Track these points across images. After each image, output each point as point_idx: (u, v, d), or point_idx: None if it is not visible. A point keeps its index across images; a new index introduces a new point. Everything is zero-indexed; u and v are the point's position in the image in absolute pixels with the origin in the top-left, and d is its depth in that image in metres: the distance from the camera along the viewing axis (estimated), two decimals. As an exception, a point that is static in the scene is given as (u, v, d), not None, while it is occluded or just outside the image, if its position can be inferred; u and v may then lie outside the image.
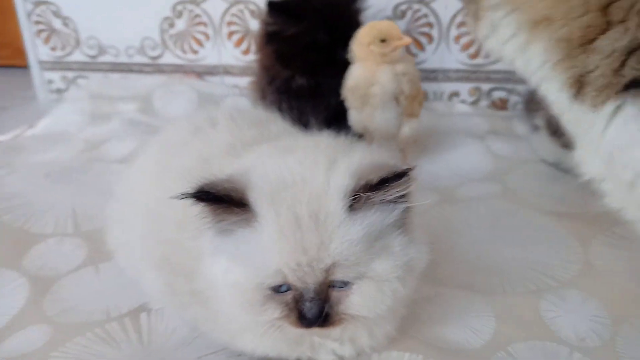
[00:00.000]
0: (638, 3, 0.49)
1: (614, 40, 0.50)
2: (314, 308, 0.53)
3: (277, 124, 0.72)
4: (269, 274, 0.52)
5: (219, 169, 0.60)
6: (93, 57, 1.64)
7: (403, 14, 1.37)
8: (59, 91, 1.70)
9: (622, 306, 0.73)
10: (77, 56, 1.65)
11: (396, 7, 1.37)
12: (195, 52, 1.57)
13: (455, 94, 1.45)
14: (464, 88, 1.43)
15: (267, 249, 0.52)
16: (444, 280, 0.79)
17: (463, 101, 1.45)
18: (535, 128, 1.13)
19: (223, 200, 0.52)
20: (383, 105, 0.99)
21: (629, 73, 0.50)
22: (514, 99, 1.41)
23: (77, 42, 1.63)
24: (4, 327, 0.72)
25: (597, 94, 0.52)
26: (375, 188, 0.51)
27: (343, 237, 0.51)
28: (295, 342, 0.62)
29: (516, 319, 0.71)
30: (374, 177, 0.51)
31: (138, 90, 1.47)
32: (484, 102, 1.44)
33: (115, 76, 1.64)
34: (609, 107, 0.51)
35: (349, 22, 1.11)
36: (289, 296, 0.54)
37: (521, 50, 0.56)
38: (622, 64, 0.50)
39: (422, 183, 1.07)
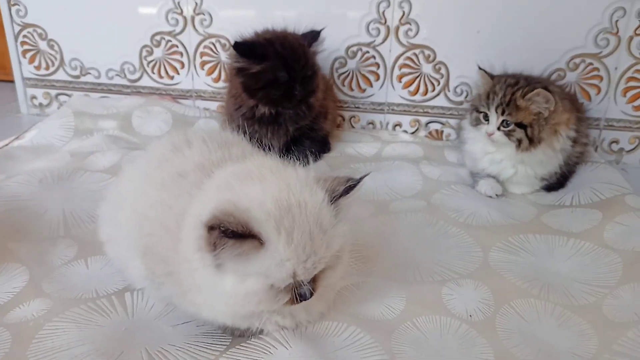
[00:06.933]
0: None
1: None
2: (309, 290, 0.72)
3: (239, 146, 0.87)
4: (283, 278, 0.69)
5: (191, 184, 0.77)
6: (75, 77, 1.80)
7: (354, 54, 1.60)
8: (41, 106, 1.85)
9: (505, 294, 0.93)
10: (60, 75, 1.81)
11: (348, 48, 1.59)
12: (171, 77, 1.75)
13: (398, 125, 1.68)
14: (406, 120, 1.66)
15: (283, 261, 0.67)
16: (370, 273, 0.98)
17: (405, 131, 1.68)
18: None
19: (233, 236, 0.65)
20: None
21: None
22: (447, 130, 1.64)
23: (61, 63, 1.79)
24: (9, 302, 0.88)
25: None
26: (342, 196, 0.72)
27: (337, 235, 0.71)
28: (249, 315, 0.78)
29: (422, 301, 0.90)
30: (340, 189, 0.72)
31: (118, 110, 1.63)
32: (422, 132, 1.67)
33: (95, 95, 1.80)
34: None
35: (306, 63, 1.31)
36: (289, 286, 0.71)
37: None
38: None
39: (363, 196, 1.28)
